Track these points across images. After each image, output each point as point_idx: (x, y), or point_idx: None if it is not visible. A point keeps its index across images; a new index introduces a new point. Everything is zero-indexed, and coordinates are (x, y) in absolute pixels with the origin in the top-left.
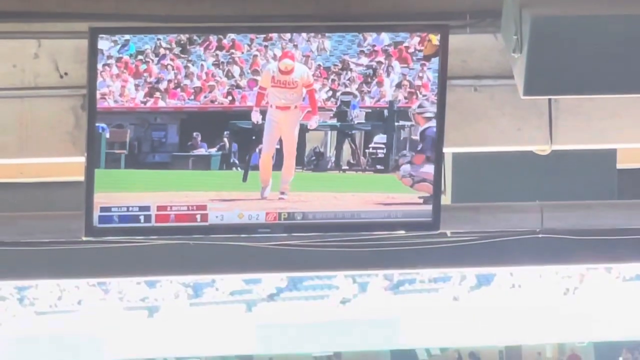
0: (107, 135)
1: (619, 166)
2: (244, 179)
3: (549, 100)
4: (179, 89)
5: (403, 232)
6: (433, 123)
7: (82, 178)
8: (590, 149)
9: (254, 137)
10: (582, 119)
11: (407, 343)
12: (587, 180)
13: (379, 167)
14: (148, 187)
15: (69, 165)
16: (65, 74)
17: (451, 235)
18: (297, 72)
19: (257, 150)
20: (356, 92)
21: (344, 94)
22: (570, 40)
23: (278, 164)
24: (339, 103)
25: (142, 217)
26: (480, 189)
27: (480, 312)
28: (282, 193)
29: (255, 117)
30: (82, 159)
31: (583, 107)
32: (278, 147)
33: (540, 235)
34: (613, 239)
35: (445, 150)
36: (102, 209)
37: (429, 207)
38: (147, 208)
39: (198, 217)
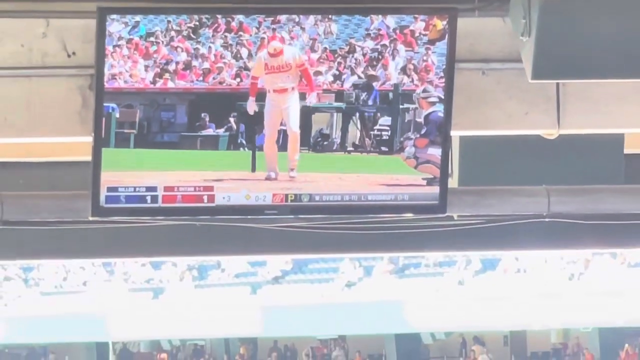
0: (117, 115)
1: (626, 151)
2: (253, 169)
3: (557, 84)
4: (188, 71)
5: (410, 215)
6: (437, 107)
7: (89, 158)
8: (598, 134)
9: (261, 119)
10: (589, 103)
11: (412, 327)
12: (594, 164)
13: (383, 148)
14: (157, 166)
15: (77, 145)
16: (73, 53)
17: (458, 219)
18: (288, 54)
19: (263, 132)
20: (379, 76)
21: (368, 77)
22: (579, 24)
23: (284, 145)
24: (359, 84)
25: (148, 198)
26: (488, 172)
27: (485, 297)
28: (291, 170)
29: (252, 107)
30: (90, 139)
31: (591, 91)
32: (284, 127)
33: (547, 220)
34: (620, 224)
35: (452, 133)
36: (109, 189)
37: (436, 190)
38: (154, 188)
39: (205, 198)
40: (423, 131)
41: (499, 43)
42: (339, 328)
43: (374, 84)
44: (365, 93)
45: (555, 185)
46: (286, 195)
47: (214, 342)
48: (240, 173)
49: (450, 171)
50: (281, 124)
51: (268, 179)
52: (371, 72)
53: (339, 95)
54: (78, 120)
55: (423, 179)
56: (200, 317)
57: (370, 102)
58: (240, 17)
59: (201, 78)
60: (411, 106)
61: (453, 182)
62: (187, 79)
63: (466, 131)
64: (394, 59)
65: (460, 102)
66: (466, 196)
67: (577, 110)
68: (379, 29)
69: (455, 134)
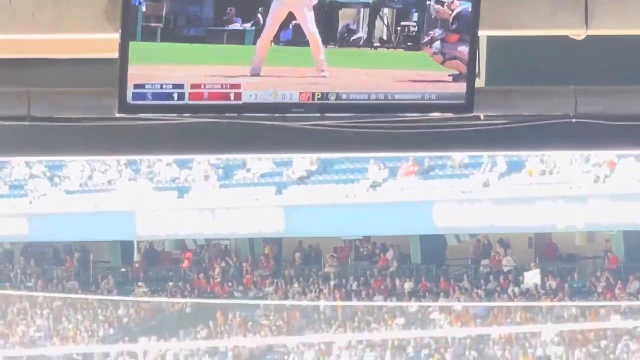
0: (144, 9)
1: None
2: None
3: None
4: None
5: (437, 114)
6: (465, 4)
7: (116, 55)
8: (627, 35)
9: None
10: (619, 4)
11: (437, 228)
12: (622, 65)
13: (410, 44)
14: (183, 60)
15: (104, 42)
16: None
17: (484, 119)
18: None
19: (290, 26)
20: None
21: None
22: None
23: (297, 41)
24: None
25: (175, 95)
26: (515, 72)
27: (510, 199)
28: (322, 71)
29: None
30: (117, 36)
31: None
32: (298, 23)
33: (574, 120)
34: None
35: (480, 33)
36: (136, 86)
37: (462, 89)
38: (181, 86)
39: (232, 95)
40: (454, 27)
41: None
42: (364, 229)
43: None
44: None
45: (583, 86)
46: (313, 94)
47: (239, 242)
48: (266, 68)
49: (477, 71)
50: (294, 19)
51: (254, 75)
52: None
53: None
54: (105, 17)
55: (449, 75)
56: (225, 216)
57: None
58: None
59: None
60: (438, 4)
61: (480, 82)
62: None
63: (494, 31)
64: None
65: (488, 1)
66: (493, 96)
67: (606, 11)
68: None
69: (482, 34)
